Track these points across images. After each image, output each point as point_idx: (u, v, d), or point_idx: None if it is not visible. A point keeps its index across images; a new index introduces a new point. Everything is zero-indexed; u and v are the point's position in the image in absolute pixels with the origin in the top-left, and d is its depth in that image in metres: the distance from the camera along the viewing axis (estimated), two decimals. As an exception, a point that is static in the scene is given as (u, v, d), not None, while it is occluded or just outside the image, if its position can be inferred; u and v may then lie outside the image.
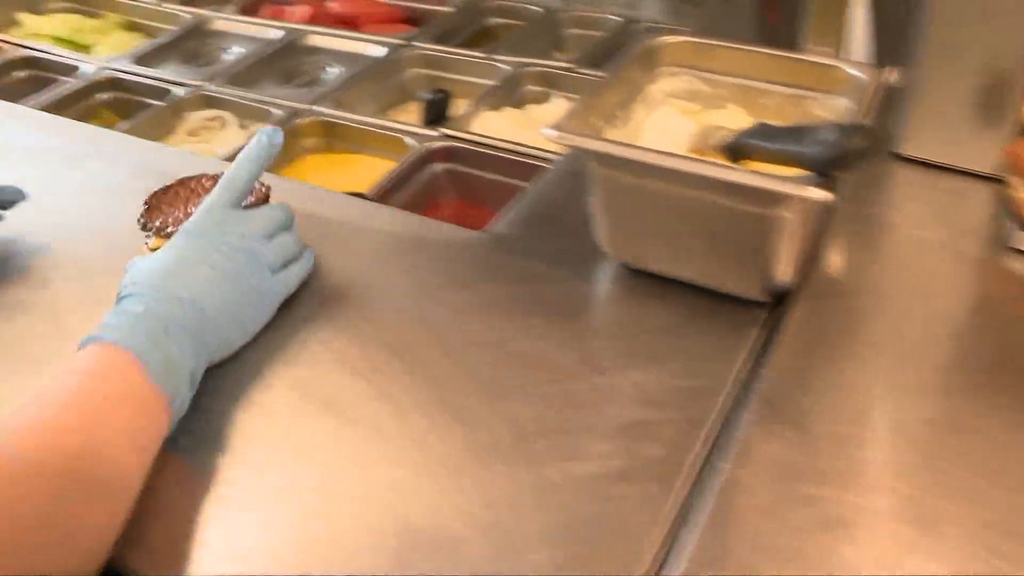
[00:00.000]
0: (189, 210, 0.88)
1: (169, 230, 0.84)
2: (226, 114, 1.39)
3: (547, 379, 0.74)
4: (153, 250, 0.83)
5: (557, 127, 0.80)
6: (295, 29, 1.60)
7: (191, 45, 1.63)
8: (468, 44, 1.57)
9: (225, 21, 1.67)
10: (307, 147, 1.31)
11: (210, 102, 1.41)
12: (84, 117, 1.48)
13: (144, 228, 0.87)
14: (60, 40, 1.68)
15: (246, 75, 1.48)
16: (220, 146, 1.33)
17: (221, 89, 1.42)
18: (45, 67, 1.61)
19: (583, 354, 0.77)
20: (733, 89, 0.93)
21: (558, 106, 1.33)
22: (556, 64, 1.38)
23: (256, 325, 0.79)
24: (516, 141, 1.19)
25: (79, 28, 1.70)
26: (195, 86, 1.43)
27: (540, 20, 1.56)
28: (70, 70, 1.55)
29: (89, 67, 1.54)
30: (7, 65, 1.61)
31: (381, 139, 1.27)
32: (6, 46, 1.65)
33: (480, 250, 0.92)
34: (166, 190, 0.92)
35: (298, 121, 1.30)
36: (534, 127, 1.28)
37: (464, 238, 0.94)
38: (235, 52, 1.61)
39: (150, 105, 1.47)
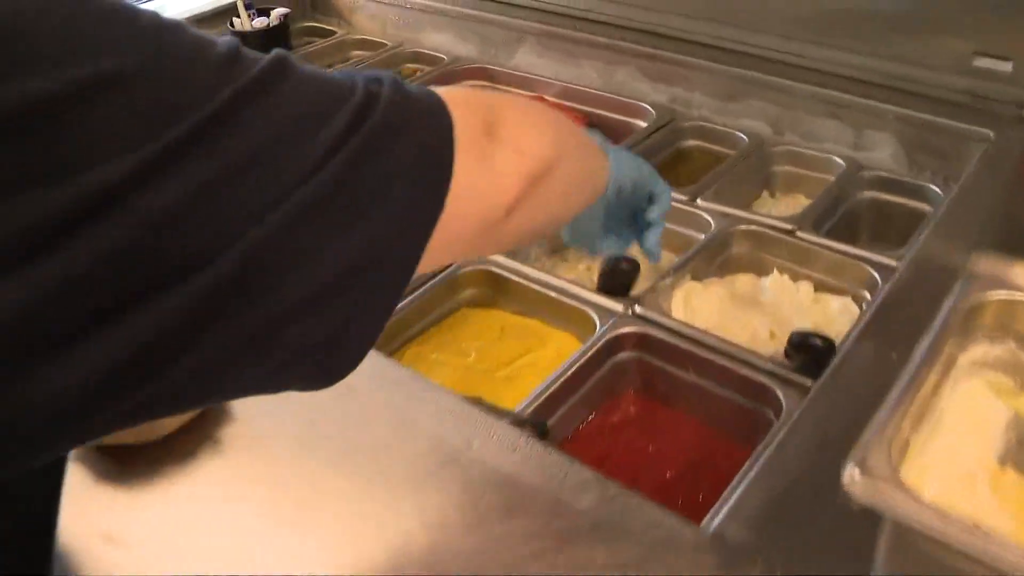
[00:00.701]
0: None
1: None
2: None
3: None
4: None
5: (862, 466, 0.55)
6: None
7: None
8: (663, 170, 1.33)
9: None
10: (465, 299, 1.09)
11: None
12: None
13: None
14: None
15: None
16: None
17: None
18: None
19: None
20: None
21: (780, 284, 1.06)
22: (775, 224, 1.12)
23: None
24: (729, 340, 0.94)
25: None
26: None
27: (746, 152, 1.30)
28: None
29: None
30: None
31: (556, 305, 1.03)
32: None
33: (697, 563, 0.66)
34: None
35: (461, 269, 1.08)
36: (747, 311, 1.03)
37: (671, 535, 0.68)
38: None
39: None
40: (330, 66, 1.71)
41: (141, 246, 0.35)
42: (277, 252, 0.39)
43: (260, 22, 1.71)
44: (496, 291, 1.08)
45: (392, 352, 1.01)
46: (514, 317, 1.07)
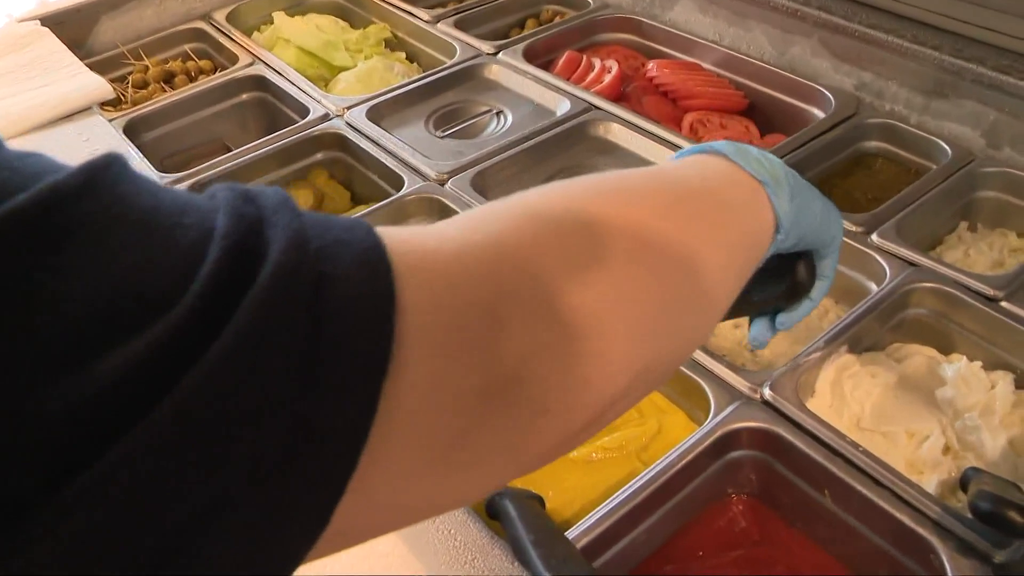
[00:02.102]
0: None
1: None
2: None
3: None
4: None
5: None
6: (586, 103, 1.15)
7: (450, 97, 1.22)
8: (830, 180, 1.06)
9: (502, 68, 1.25)
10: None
11: (442, 212, 1.00)
12: (302, 176, 1.15)
13: None
14: (305, 53, 1.34)
15: (505, 171, 1.06)
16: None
17: (461, 191, 1.01)
18: (275, 94, 1.28)
19: None
20: None
21: (968, 375, 0.79)
22: (974, 285, 0.84)
23: None
24: (886, 463, 0.69)
25: (332, 42, 1.35)
26: (429, 182, 1.03)
27: (948, 170, 1.00)
28: (300, 108, 1.21)
29: (318, 109, 1.18)
30: (236, 84, 1.29)
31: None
32: (244, 55, 1.33)
33: None
34: None
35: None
36: (918, 408, 0.77)
37: None
38: (504, 121, 1.19)
39: (371, 180, 1.11)
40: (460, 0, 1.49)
41: None
42: None
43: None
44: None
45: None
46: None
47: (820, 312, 0.92)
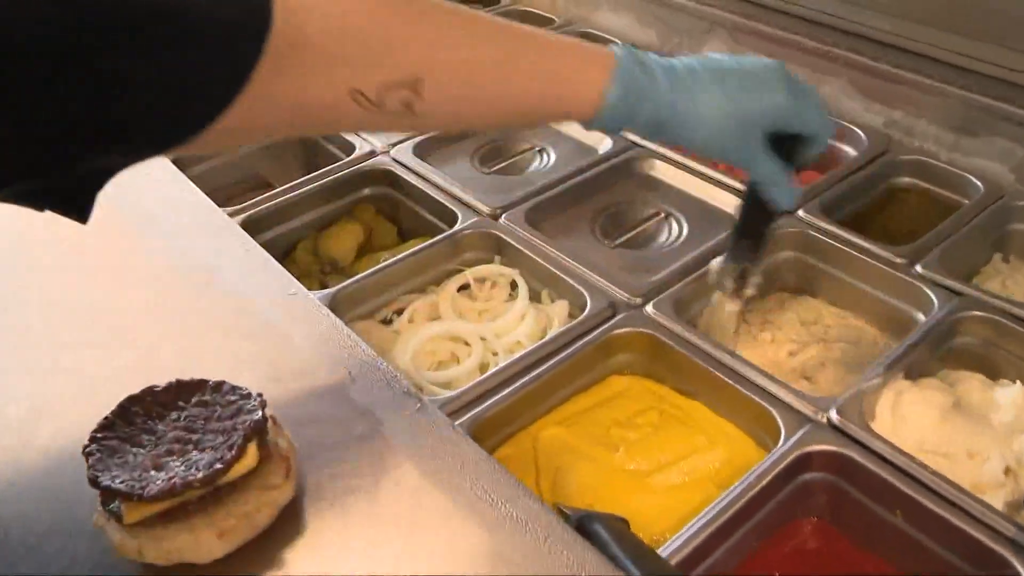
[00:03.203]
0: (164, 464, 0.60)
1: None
2: (515, 275, 1.01)
3: None
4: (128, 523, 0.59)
5: None
6: (627, 141, 1.19)
7: (492, 133, 1.26)
8: (865, 215, 1.10)
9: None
10: (617, 365, 0.91)
11: (499, 247, 1.03)
12: (347, 212, 1.18)
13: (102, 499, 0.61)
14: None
15: (555, 205, 1.10)
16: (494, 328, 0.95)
17: (516, 226, 1.04)
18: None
19: None
20: None
21: (1022, 399, 0.83)
22: (1020, 312, 0.88)
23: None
24: (955, 483, 0.72)
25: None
26: (483, 216, 1.06)
27: (979, 203, 1.05)
28: (344, 145, 1.24)
29: (364, 146, 1.21)
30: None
31: (730, 393, 0.84)
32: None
33: None
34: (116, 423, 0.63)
35: (615, 330, 0.90)
36: (974, 431, 0.81)
37: None
38: (548, 159, 1.22)
39: (420, 215, 1.14)
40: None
41: None
42: None
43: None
44: (655, 359, 0.89)
45: (525, 426, 0.85)
46: (675, 396, 0.88)
47: (870, 341, 0.95)
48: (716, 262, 0.84)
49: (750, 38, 1.31)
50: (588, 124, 0.65)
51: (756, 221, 0.79)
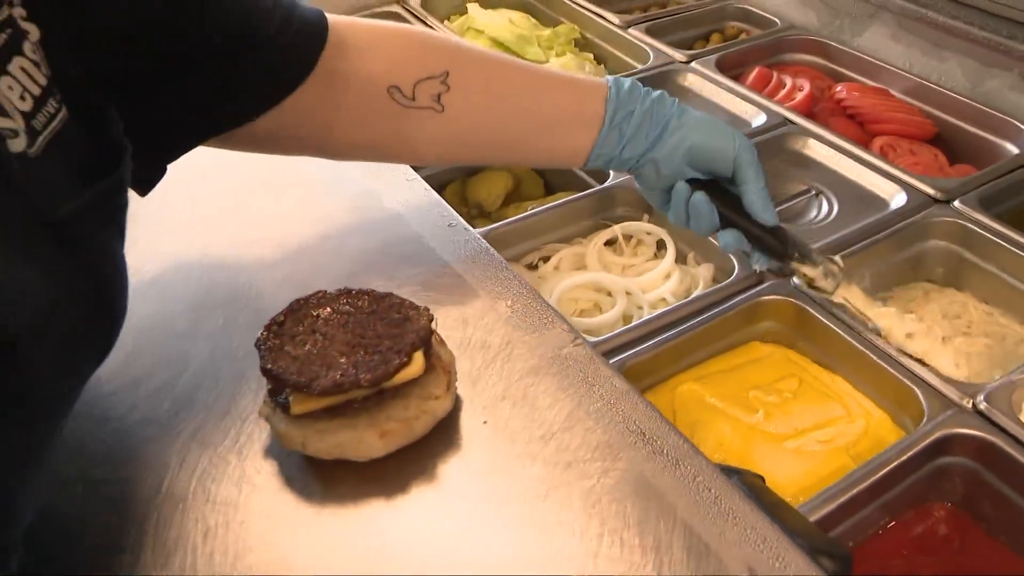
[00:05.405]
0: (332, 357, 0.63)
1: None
2: (663, 234, 1.02)
3: None
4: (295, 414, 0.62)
5: None
6: (781, 117, 1.19)
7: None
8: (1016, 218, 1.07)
9: (695, 76, 1.29)
10: (759, 332, 0.91)
11: (647, 207, 1.05)
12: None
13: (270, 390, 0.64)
14: (497, 44, 1.40)
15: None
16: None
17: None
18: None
19: None
20: None
21: None
22: None
23: None
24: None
25: (525, 36, 1.41)
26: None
27: None
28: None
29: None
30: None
31: (874, 369, 0.84)
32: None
33: None
34: (287, 322, 0.66)
35: (762, 296, 0.90)
36: None
37: None
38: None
39: (569, 172, 1.16)
40: (646, 9, 1.54)
41: None
42: None
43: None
44: (799, 329, 0.90)
45: (664, 380, 0.86)
46: (815, 368, 0.88)
47: (1017, 340, 0.94)
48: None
49: (917, 25, 1.28)
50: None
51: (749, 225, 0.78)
